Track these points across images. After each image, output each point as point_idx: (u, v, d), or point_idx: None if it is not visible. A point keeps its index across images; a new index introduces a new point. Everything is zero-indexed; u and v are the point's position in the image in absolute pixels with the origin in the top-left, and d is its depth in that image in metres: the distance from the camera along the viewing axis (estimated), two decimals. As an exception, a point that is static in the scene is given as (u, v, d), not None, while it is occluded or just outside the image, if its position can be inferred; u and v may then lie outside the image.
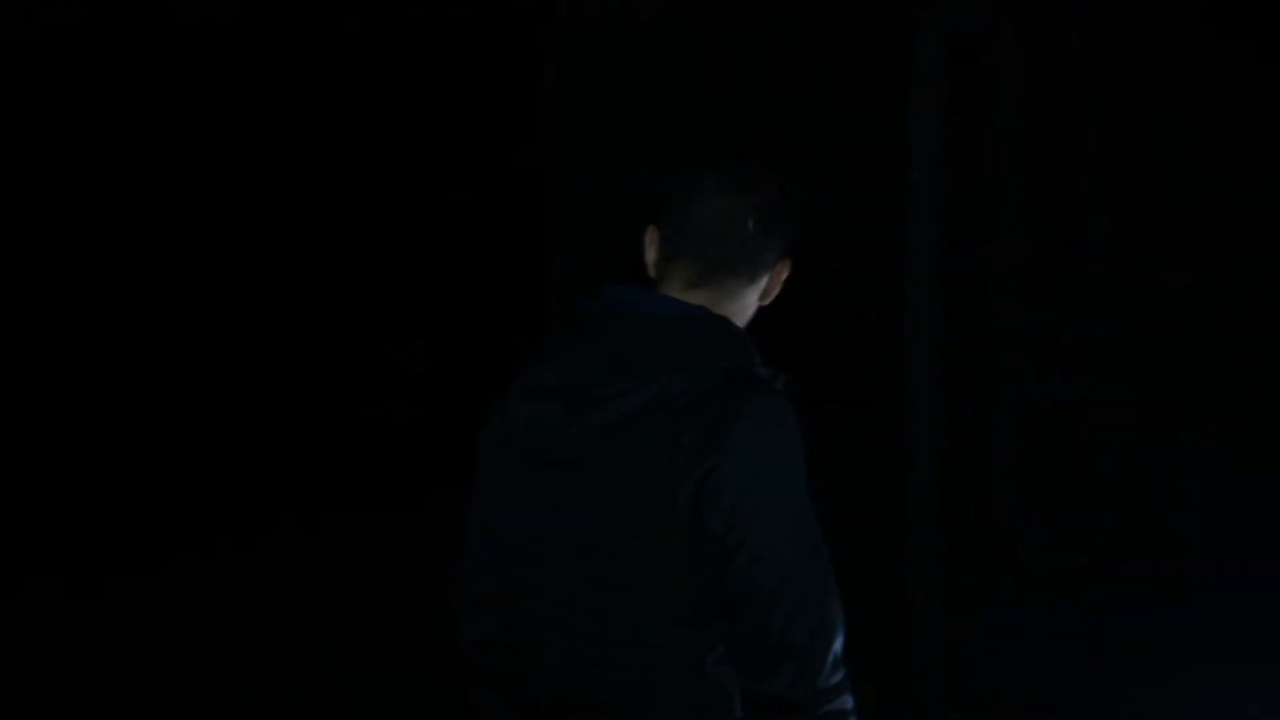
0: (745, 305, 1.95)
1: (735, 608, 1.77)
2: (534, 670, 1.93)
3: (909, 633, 4.38)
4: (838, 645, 1.79)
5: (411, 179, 10.25)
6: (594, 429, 1.82)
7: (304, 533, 7.81)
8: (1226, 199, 3.51)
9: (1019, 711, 4.05)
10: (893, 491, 4.44)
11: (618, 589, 1.81)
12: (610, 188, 5.14)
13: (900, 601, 4.40)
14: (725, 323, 1.87)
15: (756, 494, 1.75)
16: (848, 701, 1.82)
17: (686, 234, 1.90)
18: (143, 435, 9.02)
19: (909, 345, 4.42)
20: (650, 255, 1.95)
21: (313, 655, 5.54)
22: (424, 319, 10.40)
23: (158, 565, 6.97)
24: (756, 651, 1.77)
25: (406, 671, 5.26)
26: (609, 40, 5.76)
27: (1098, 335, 3.85)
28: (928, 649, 4.34)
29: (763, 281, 1.95)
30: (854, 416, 4.68)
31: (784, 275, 1.98)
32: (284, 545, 7.57)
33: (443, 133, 10.11)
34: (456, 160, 10.13)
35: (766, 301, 1.99)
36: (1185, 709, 3.50)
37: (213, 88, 9.50)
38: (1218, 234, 3.54)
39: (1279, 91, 3.39)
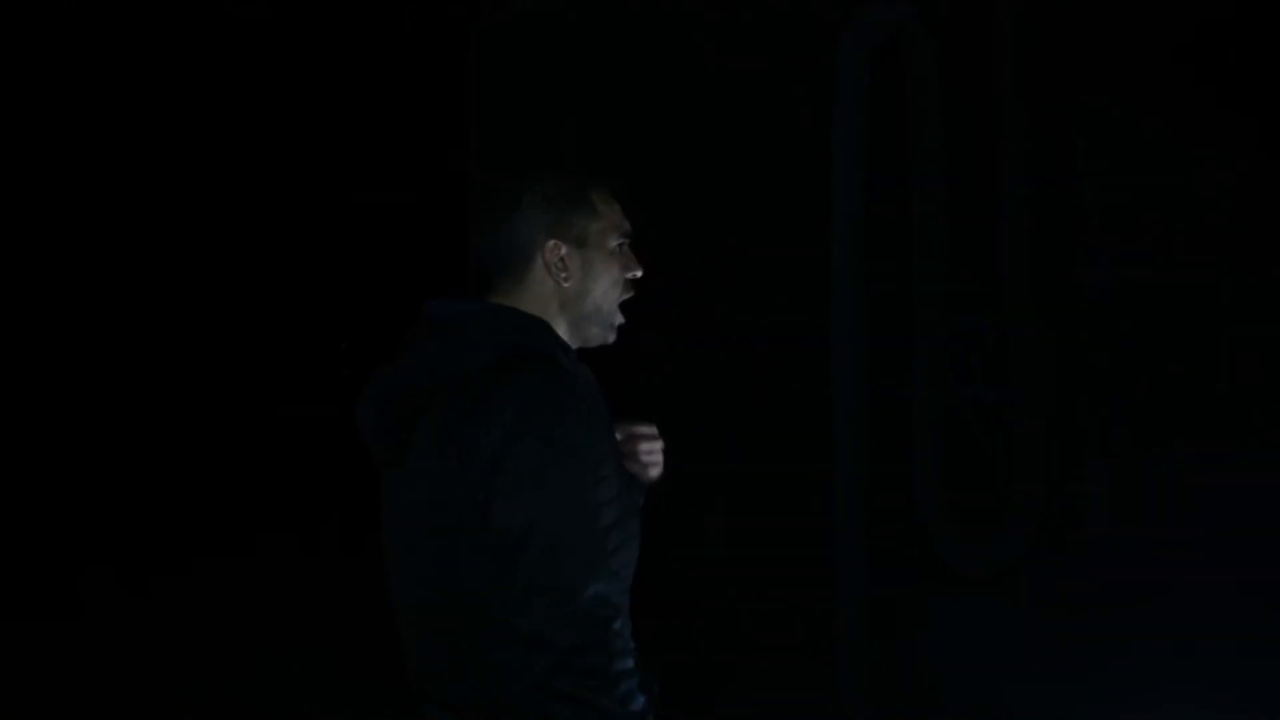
0: (537, 295, 2.08)
1: (495, 553, 1.90)
2: (406, 650, 2.08)
3: (837, 633, 4.38)
4: (593, 592, 1.88)
5: (340, 180, 10.18)
6: (394, 422, 2.02)
7: (249, 532, 7.74)
8: (1146, 201, 3.53)
9: (943, 709, 4.06)
10: (819, 495, 4.44)
11: (446, 562, 1.96)
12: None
13: (828, 603, 4.40)
14: (509, 310, 2.05)
15: (512, 449, 1.89)
16: (612, 647, 1.89)
17: (473, 252, 2.13)
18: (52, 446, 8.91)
19: (833, 348, 4.42)
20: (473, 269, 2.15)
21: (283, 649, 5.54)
22: (351, 321, 10.32)
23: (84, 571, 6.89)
24: (513, 589, 1.88)
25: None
26: (532, 40, 5.73)
27: (1019, 337, 3.87)
28: (855, 649, 4.34)
29: (536, 270, 2.07)
30: (779, 422, 4.67)
31: (562, 252, 2.07)
32: (225, 551, 7.50)
33: (371, 134, 10.06)
34: (385, 161, 10.07)
35: (566, 280, 2.08)
36: (1104, 708, 3.52)
37: (141, 91, 9.40)
38: (1138, 236, 3.57)
39: (1197, 92, 3.41)
